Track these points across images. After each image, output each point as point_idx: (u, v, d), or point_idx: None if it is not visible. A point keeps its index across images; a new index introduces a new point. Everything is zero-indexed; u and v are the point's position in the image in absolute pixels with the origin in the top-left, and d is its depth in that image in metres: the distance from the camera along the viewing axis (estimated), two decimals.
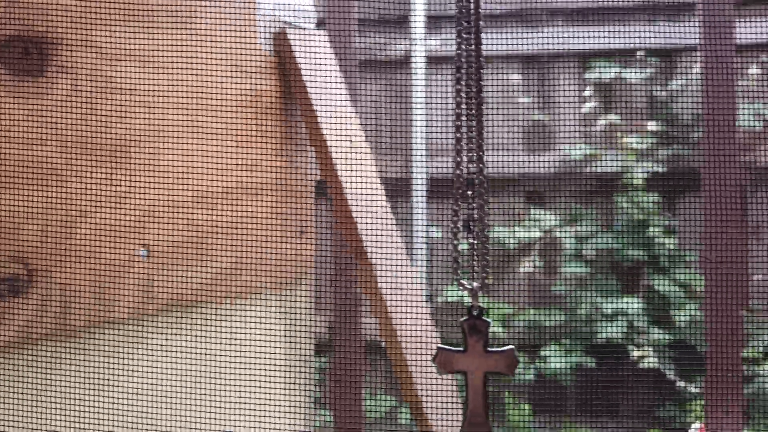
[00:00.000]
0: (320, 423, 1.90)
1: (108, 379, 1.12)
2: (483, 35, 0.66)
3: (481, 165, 0.64)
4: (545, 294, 2.19)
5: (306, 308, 1.42)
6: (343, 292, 1.64)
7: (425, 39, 2.17)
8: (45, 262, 1.07)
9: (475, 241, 0.65)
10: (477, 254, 0.65)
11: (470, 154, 0.64)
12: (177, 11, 1.18)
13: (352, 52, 1.62)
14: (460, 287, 0.66)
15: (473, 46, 0.65)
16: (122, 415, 1.13)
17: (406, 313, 1.35)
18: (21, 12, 1.06)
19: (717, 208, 1.51)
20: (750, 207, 1.97)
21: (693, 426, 1.58)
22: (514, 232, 2.17)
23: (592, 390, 2.11)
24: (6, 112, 1.05)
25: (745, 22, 1.78)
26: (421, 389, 1.33)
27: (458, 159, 0.64)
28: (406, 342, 1.34)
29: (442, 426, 1.33)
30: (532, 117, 2.23)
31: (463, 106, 0.65)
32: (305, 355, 1.43)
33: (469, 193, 0.64)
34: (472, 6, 0.65)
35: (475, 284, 0.65)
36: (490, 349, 0.65)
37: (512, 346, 0.65)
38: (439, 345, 0.65)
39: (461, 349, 0.65)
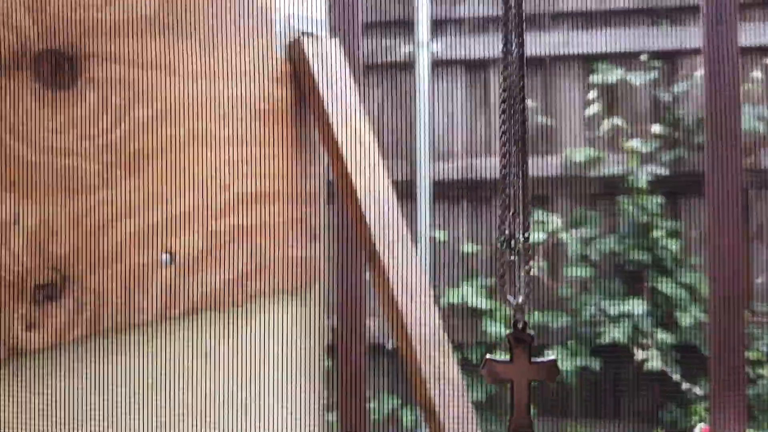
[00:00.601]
0: (325, 424, 1.91)
1: (137, 380, 1.14)
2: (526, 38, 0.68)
3: (524, 179, 0.67)
4: (550, 296, 2.20)
5: (319, 312, 1.44)
6: (348, 294, 1.65)
7: (430, 43, 2.18)
8: (77, 268, 1.10)
9: (518, 257, 0.69)
10: (521, 270, 0.69)
11: (513, 169, 0.67)
12: (199, 23, 1.21)
13: (358, 56, 1.63)
14: (506, 303, 0.70)
15: (518, 50, 0.67)
16: (148, 415, 1.15)
17: (419, 315, 1.36)
18: (52, 26, 1.09)
19: (720, 210, 1.52)
20: (753, 210, 1.98)
21: (696, 428, 1.58)
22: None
23: (597, 392, 2.12)
24: (39, 123, 1.07)
25: (749, 25, 1.79)
26: (433, 390, 1.34)
27: (504, 172, 0.66)
28: (418, 343, 1.35)
29: (453, 426, 1.34)
30: (536, 120, 2.24)
31: (507, 113, 0.67)
32: (318, 359, 1.44)
33: (512, 210, 0.67)
34: (514, 11, 0.67)
35: (520, 299, 0.69)
36: (534, 359, 0.69)
37: (554, 357, 0.70)
38: (487, 356, 0.70)
39: (507, 359, 0.69)
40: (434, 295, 1.64)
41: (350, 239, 1.42)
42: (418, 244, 2.06)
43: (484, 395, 2.13)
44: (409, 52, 2.22)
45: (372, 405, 2.11)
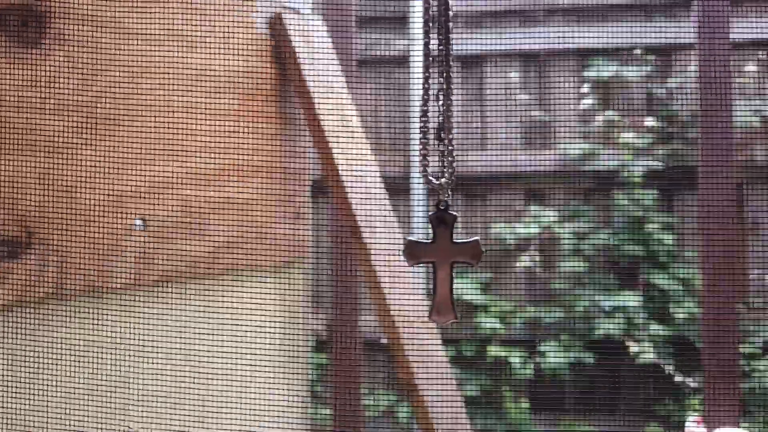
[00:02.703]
0: (320, 419, 1.91)
1: (100, 346, 1.14)
2: (453, 36, 0.71)
3: (447, 82, 0.69)
4: (544, 290, 2.20)
5: (302, 292, 1.44)
6: (342, 288, 1.65)
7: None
8: (44, 227, 1.09)
9: (444, 143, 0.70)
10: (445, 154, 0.70)
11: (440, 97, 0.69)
12: None
13: (351, 51, 1.64)
14: (427, 183, 0.70)
15: (442, 47, 0.70)
16: (108, 383, 1.15)
17: (406, 304, 1.36)
18: None
19: (714, 205, 1.53)
20: (747, 204, 1.98)
21: (689, 419, 1.59)
22: (514, 228, 2.18)
23: (591, 386, 2.13)
24: (4, 78, 1.07)
25: (741, 19, 1.79)
26: (422, 383, 1.34)
27: (426, 74, 0.68)
28: (407, 337, 1.35)
29: (442, 420, 1.35)
30: (531, 114, 2.24)
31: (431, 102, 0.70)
32: (301, 339, 1.44)
33: (440, 103, 0.69)
34: (438, 8, 0.70)
35: (442, 180, 0.69)
36: (456, 240, 0.68)
37: (477, 237, 0.69)
38: (408, 237, 0.70)
39: (429, 240, 0.69)
40: (422, 286, 1.64)
41: (345, 231, 1.42)
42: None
43: (478, 389, 2.14)
44: (404, 47, 2.22)
45: (367, 401, 2.11)
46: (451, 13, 0.70)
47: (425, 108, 0.70)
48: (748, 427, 1.73)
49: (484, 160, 2.18)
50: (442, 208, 0.69)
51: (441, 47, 0.71)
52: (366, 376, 2.11)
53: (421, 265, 0.70)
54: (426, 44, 0.72)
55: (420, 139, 0.70)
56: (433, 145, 0.70)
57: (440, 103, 0.70)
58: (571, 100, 2.25)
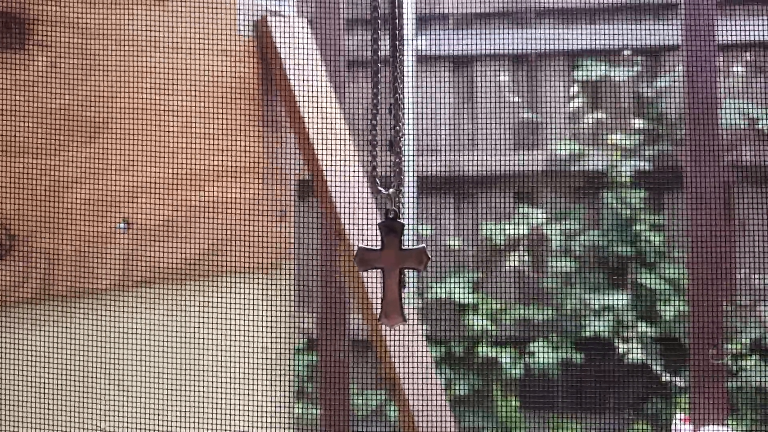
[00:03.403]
0: (308, 418, 1.92)
1: (85, 347, 1.14)
2: (408, 38, 0.73)
3: (397, 94, 0.73)
4: (533, 290, 2.21)
5: (287, 292, 1.44)
6: (330, 288, 1.66)
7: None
8: (27, 229, 1.10)
9: (394, 156, 0.75)
10: (394, 164, 0.75)
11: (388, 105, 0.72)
12: None
13: (339, 52, 1.64)
14: (376, 194, 0.74)
15: (392, 48, 0.72)
16: (93, 384, 1.15)
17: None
18: None
19: (702, 205, 1.54)
20: (734, 204, 2.00)
21: (676, 417, 1.60)
22: (503, 228, 2.19)
23: (580, 384, 2.14)
24: None
25: (728, 21, 1.81)
26: (406, 383, 1.35)
27: (375, 90, 0.71)
28: (390, 337, 1.36)
29: (427, 421, 1.35)
30: (521, 115, 2.25)
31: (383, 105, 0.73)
32: (288, 340, 1.45)
33: (391, 115, 0.72)
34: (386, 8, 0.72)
35: (391, 190, 0.73)
36: (404, 247, 0.72)
37: (424, 245, 0.72)
38: (359, 245, 0.73)
39: (378, 248, 0.72)
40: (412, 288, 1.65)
41: (330, 232, 1.43)
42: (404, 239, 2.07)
43: (469, 389, 2.15)
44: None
45: (357, 400, 2.12)
46: (405, 12, 0.72)
47: (374, 122, 0.73)
48: (735, 426, 1.74)
49: (474, 161, 2.19)
50: (391, 216, 0.72)
51: (392, 50, 0.74)
52: (355, 375, 2.11)
53: (372, 270, 0.72)
54: (374, 51, 0.75)
55: (369, 150, 0.74)
56: (379, 151, 0.74)
57: (392, 116, 0.73)
58: (560, 101, 2.27)
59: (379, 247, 0.71)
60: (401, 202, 0.72)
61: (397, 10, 0.74)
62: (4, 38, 1.08)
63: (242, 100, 1.35)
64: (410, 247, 0.71)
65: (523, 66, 2.27)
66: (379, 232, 0.72)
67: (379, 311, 0.72)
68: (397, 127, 0.72)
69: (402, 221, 0.72)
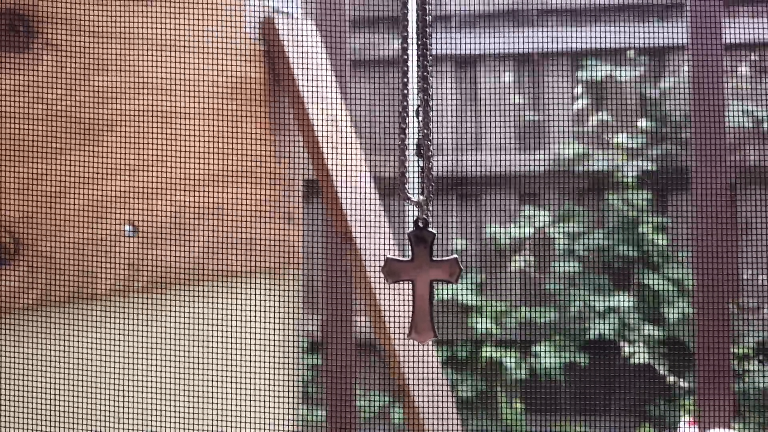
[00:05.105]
0: (314, 419, 1.91)
1: (90, 352, 1.13)
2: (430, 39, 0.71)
3: (426, 96, 0.69)
4: (538, 291, 2.20)
5: (294, 295, 1.44)
6: (335, 290, 1.65)
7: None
8: (32, 233, 1.09)
9: (423, 161, 0.70)
10: (424, 172, 0.70)
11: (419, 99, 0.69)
12: None
13: (345, 53, 1.64)
14: (407, 201, 0.69)
15: (421, 50, 0.69)
16: (98, 389, 1.15)
17: (398, 307, 1.36)
18: None
19: (707, 206, 1.53)
20: (739, 205, 1.99)
21: (682, 420, 1.59)
22: (507, 229, 2.19)
23: (585, 387, 2.13)
24: None
25: (734, 21, 1.80)
26: (414, 388, 1.34)
27: (405, 91, 0.68)
28: (399, 340, 1.35)
29: (435, 425, 1.35)
30: (525, 116, 2.25)
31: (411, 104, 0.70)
32: (293, 343, 1.44)
33: (420, 119, 0.69)
34: (416, 10, 0.69)
35: (421, 197, 0.69)
36: (435, 258, 0.68)
37: (456, 256, 0.68)
38: (387, 256, 0.69)
39: (408, 259, 0.68)
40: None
41: (337, 235, 1.42)
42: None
43: (474, 392, 2.14)
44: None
45: (361, 403, 2.11)
46: (428, 18, 0.70)
47: (403, 126, 0.70)
48: (741, 428, 1.74)
49: (478, 162, 2.19)
50: (421, 225, 0.68)
51: (420, 57, 0.71)
52: (360, 377, 2.11)
53: (401, 282, 0.69)
54: (404, 50, 0.72)
55: (398, 156, 0.70)
56: (413, 161, 0.71)
57: (420, 119, 0.70)
58: (564, 101, 2.26)
59: (408, 258, 0.68)
60: (430, 210, 0.69)
61: (426, 7, 0.71)
62: (10, 39, 1.07)
63: (249, 100, 1.35)
64: (441, 258, 0.68)
65: (526, 66, 2.26)
66: (409, 243, 0.68)
67: (408, 326, 0.68)
68: (426, 131, 0.69)
69: (433, 231, 0.68)
